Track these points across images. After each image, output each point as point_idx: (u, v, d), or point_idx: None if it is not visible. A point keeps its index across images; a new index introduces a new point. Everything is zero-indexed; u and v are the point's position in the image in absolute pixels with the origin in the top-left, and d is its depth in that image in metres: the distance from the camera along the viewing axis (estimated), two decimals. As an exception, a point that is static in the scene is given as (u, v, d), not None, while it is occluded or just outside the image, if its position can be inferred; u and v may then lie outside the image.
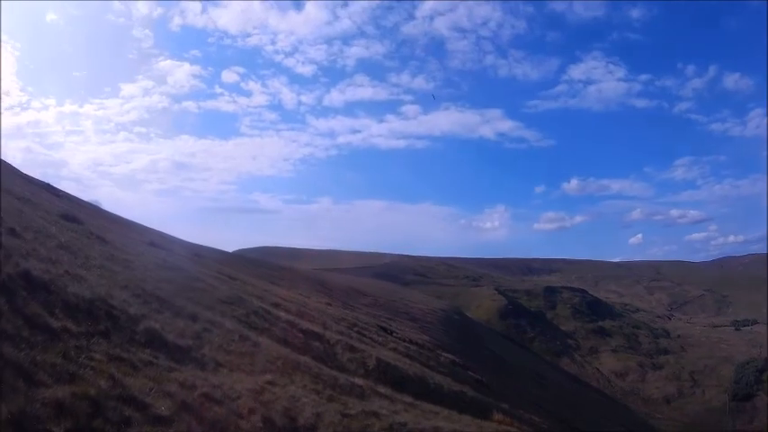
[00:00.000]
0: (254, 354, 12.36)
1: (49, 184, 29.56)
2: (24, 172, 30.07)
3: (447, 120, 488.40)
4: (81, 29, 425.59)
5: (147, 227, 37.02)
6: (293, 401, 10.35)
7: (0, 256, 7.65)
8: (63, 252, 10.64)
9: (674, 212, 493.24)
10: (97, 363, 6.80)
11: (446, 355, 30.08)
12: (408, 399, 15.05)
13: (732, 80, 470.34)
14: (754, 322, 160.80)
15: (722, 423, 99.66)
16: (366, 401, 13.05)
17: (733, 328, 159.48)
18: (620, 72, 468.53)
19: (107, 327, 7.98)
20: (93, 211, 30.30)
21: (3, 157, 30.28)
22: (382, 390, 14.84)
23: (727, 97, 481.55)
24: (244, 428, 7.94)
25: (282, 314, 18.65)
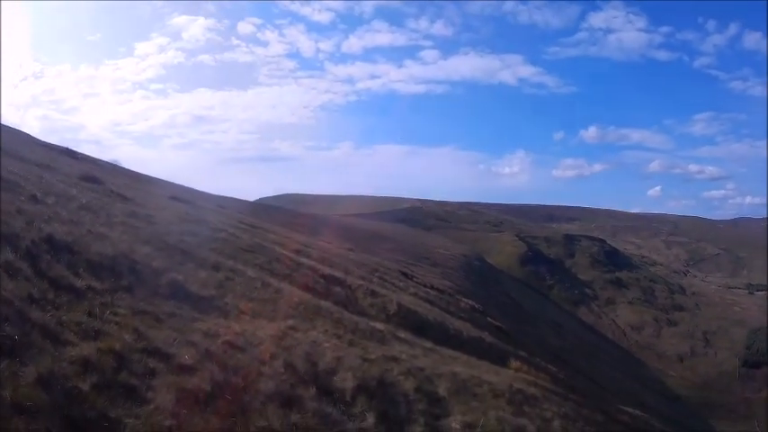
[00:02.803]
0: (276, 300, 12.65)
1: (67, 149, 29.86)
2: (43, 140, 30.44)
3: (467, 65, 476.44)
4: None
5: (168, 182, 37.34)
6: (314, 346, 10.65)
7: (22, 224, 7.88)
8: (84, 213, 10.90)
9: (693, 167, 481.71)
10: (121, 318, 7.07)
11: (466, 300, 30.47)
12: (428, 344, 15.29)
13: (753, 39, 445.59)
14: None
15: (732, 387, 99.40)
16: (386, 346, 13.33)
17: (747, 291, 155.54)
18: (641, 22, 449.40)
19: (130, 282, 8.25)
20: (113, 170, 30.63)
21: (20, 128, 30.57)
22: (402, 335, 15.11)
23: (749, 56, 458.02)
24: (266, 374, 8.21)
25: (304, 260, 18.96)
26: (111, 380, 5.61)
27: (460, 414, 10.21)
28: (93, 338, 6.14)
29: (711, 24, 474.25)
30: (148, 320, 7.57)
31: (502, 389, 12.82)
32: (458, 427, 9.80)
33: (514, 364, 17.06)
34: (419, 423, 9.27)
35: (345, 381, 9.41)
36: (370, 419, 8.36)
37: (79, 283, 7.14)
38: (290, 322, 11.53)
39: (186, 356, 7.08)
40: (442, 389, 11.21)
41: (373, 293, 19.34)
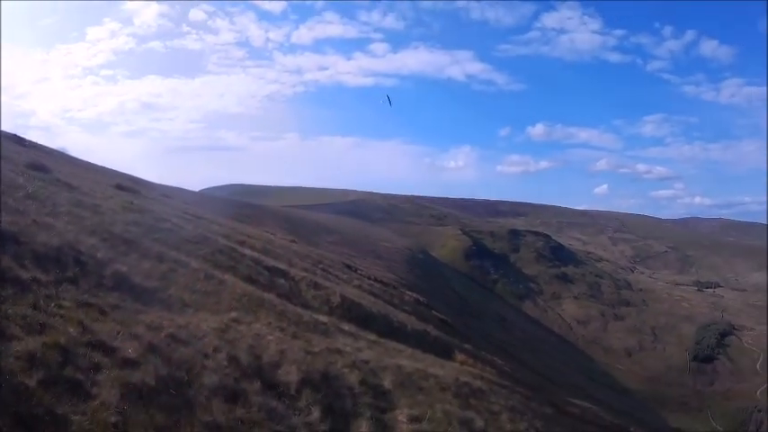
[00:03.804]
0: (220, 292, 12.62)
1: (15, 135, 28.74)
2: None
3: (416, 59, 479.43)
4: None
5: (114, 170, 36.48)
6: (258, 339, 10.78)
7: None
8: (30, 202, 10.63)
9: (641, 167, 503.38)
10: (66, 310, 7.06)
11: (410, 293, 31.11)
12: (372, 336, 15.59)
13: (710, 47, 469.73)
14: (717, 285, 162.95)
15: (682, 381, 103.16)
16: (330, 339, 13.55)
17: (695, 288, 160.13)
18: (595, 24, 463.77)
19: (75, 273, 8.20)
20: (61, 158, 29.68)
21: None
22: (346, 327, 15.34)
23: (704, 62, 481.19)
24: (209, 368, 8.29)
25: (248, 252, 18.92)
26: (56, 375, 5.67)
27: (407, 407, 10.48)
28: (39, 332, 6.15)
29: (668, 30, 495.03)
30: (93, 313, 7.57)
31: (448, 382, 13.27)
32: (404, 420, 10.05)
33: (460, 357, 17.61)
34: (365, 416, 9.52)
35: (290, 374, 9.57)
36: (316, 413, 8.56)
37: (25, 275, 7.09)
38: (234, 315, 11.58)
39: (130, 350, 7.12)
40: (387, 382, 11.46)
41: (317, 285, 19.50)
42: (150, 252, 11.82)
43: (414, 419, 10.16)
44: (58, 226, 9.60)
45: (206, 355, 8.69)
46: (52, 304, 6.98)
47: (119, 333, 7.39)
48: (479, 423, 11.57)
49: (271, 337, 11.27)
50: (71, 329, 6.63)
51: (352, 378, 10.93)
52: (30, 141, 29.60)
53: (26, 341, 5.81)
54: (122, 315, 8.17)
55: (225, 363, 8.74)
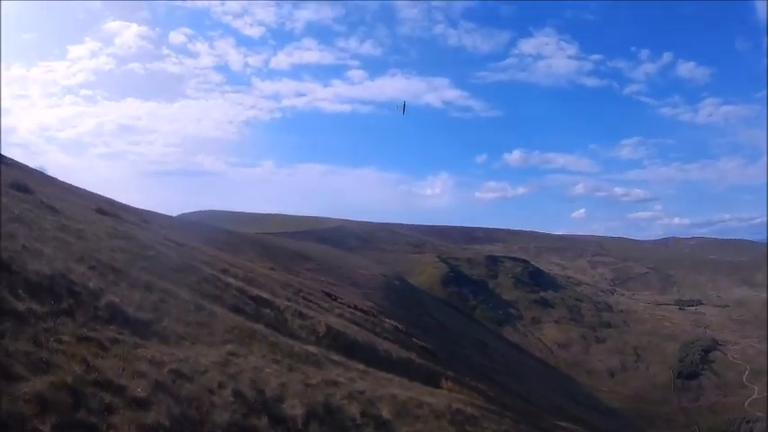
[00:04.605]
0: (212, 324, 12.19)
1: None
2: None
3: (393, 86, 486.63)
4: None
5: (93, 193, 35.81)
6: (257, 372, 10.37)
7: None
8: (18, 225, 9.94)
9: (618, 190, 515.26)
10: (67, 346, 6.52)
11: (389, 321, 30.69)
12: (361, 366, 15.38)
13: (686, 68, 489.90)
14: (699, 303, 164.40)
15: (667, 399, 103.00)
16: (323, 370, 13.24)
17: (677, 306, 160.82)
18: (572, 50, 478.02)
19: (70, 304, 7.61)
20: (41, 178, 28.58)
21: None
22: (335, 357, 15.08)
23: (680, 84, 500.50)
24: (218, 404, 7.85)
25: (232, 281, 18.35)
26: (70, 419, 5.10)
27: None
28: (44, 371, 5.59)
29: (644, 53, 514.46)
30: (93, 348, 7.00)
31: (441, 409, 13.15)
32: None
33: (447, 384, 17.37)
34: None
35: (294, 408, 9.31)
36: None
37: (21, 307, 6.49)
38: (229, 347, 11.14)
39: (139, 389, 6.65)
40: (385, 412, 11.43)
41: (301, 315, 19.05)
42: (139, 281, 11.22)
43: (417, 447, 10.06)
44: (48, 252, 8.96)
45: (211, 391, 8.24)
46: (52, 339, 6.43)
47: (123, 370, 6.90)
48: (477, 448, 11.54)
49: (269, 370, 10.94)
50: (75, 367, 6.10)
51: (353, 409, 10.86)
52: (9, 159, 28.38)
53: (33, 382, 5.24)
54: (122, 350, 7.61)
55: (231, 399, 8.33)
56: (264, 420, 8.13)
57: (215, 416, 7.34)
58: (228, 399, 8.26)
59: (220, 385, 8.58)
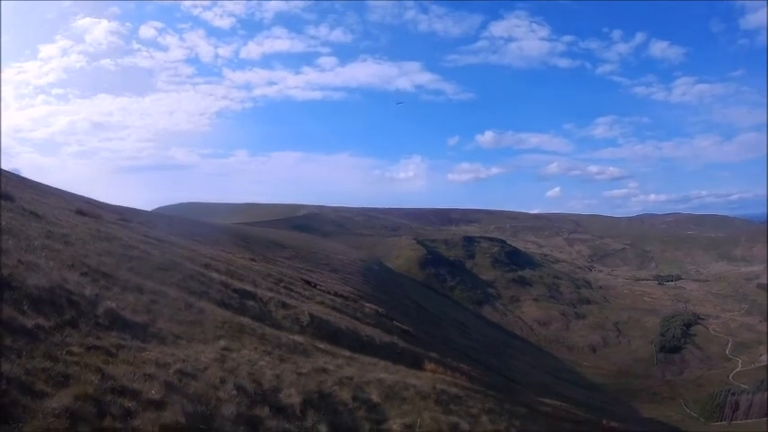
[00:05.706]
0: (203, 321, 12.45)
1: None
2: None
3: (364, 71, 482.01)
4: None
5: (70, 193, 35.03)
6: (252, 366, 10.75)
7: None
8: (7, 237, 9.91)
9: (593, 168, 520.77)
10: (79, 357, 6.76)
11: (370, 305, 31.11)
12: (346, 352, 15.91)
13: (660, 48, 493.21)
14: (678, 278, 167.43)
15: (650, 373, 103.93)
16: (312, 358, 13.70)
17: (656, 282, 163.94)
18: (544, 32, 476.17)
19: (72, 315, 7.81)
20: (19, 182, 27.65)
21: None
22: (321, 345, 15.56)
23: (653, 63, 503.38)
24: (223, 398, 8.23)
25: (215, 275, 18.51)
26: (99, 428, 5.38)
27: (398, 417, 11.04)
28: (65, 385, 5.84)
29: (617, 33, 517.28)
30: (102, 356, 7.26)
31: (426, 390, 13.79)
32: (398, 429, 10.62)
33: (430, 366, 17.94)
34: (365, 429, 10.03)
35: (291, 396, 9.80)
36: (324, 430, 8.96)
37: (29, 323, 6.66)
38: (222, 343, 11.48)
39: (152, 391, 6.98)
40: (374, 395, 12.00)
41: (284, 305, 19.35)
42: (129, 284, 11.39)
43: (407, 427, 10.73)
44: (41, 264, 9.03)
45: (215, 387, 8.58)
46: (64, 352, 6.63)
47: (134, 374, 7.18)
48: (464, 426, 12.24)
49: (263, 363, 11.35)
50: (92, 377, 6.35)
51: (344, 395, 11.35)
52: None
53: (58, 396, 5.49)
54: (128, 355, 7.91)
55: (234, 392, 8.70)
56: (267, 410, 8.57)
57: (223, 410, 7.73)
58: (232, 393, 8.63)
59: (222, 381, 8.94)
